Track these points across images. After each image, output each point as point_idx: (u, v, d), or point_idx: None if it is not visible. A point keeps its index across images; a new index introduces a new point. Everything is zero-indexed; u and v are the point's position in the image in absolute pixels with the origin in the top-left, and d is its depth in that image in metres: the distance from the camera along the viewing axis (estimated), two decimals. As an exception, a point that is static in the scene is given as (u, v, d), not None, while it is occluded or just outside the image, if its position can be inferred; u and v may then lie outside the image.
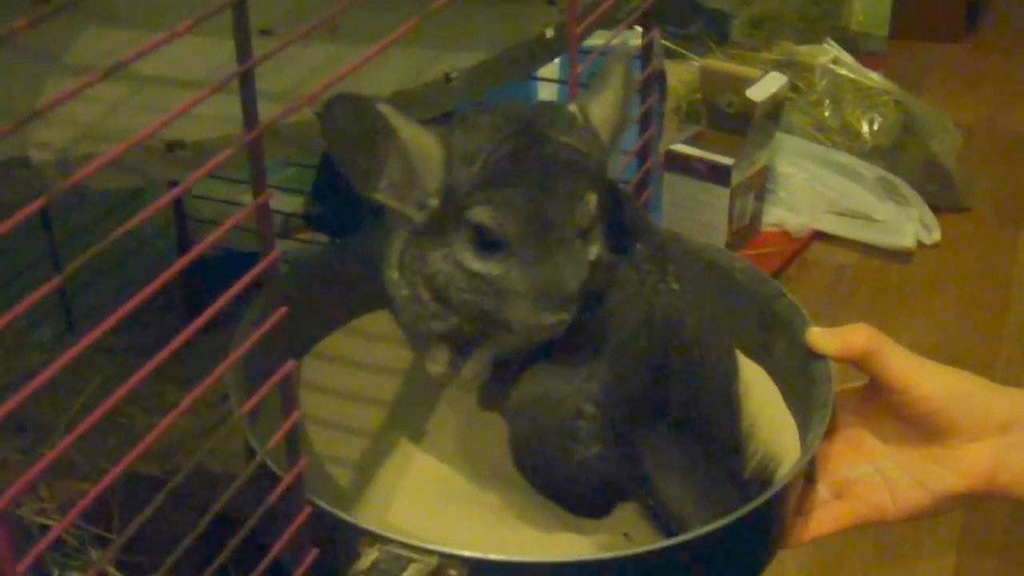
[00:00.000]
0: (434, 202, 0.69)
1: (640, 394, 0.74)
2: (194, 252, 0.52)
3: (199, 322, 0.49)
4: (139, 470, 0.97)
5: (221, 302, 0.50)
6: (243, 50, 0.51)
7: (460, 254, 0.68)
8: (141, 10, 0.94)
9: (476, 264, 0.68)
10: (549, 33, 0.89)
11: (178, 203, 1.36)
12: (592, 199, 0.68)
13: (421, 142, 0.68)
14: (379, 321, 0.90)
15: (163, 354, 0.47)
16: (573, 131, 0.70)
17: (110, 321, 0.46)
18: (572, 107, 0.72)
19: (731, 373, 0.78)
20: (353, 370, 0.88)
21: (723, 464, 0.75)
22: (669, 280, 0.76)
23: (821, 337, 0.80)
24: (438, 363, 0.77)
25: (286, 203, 1.52)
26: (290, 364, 0.60)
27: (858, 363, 0.78)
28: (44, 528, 0.94)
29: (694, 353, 0.76)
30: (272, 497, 0.62)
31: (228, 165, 0.58)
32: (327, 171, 1.38)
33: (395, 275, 0.73)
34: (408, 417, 0.85)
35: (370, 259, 0.78)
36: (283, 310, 0.58)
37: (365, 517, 0.75)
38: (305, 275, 0.90)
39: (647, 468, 0.74)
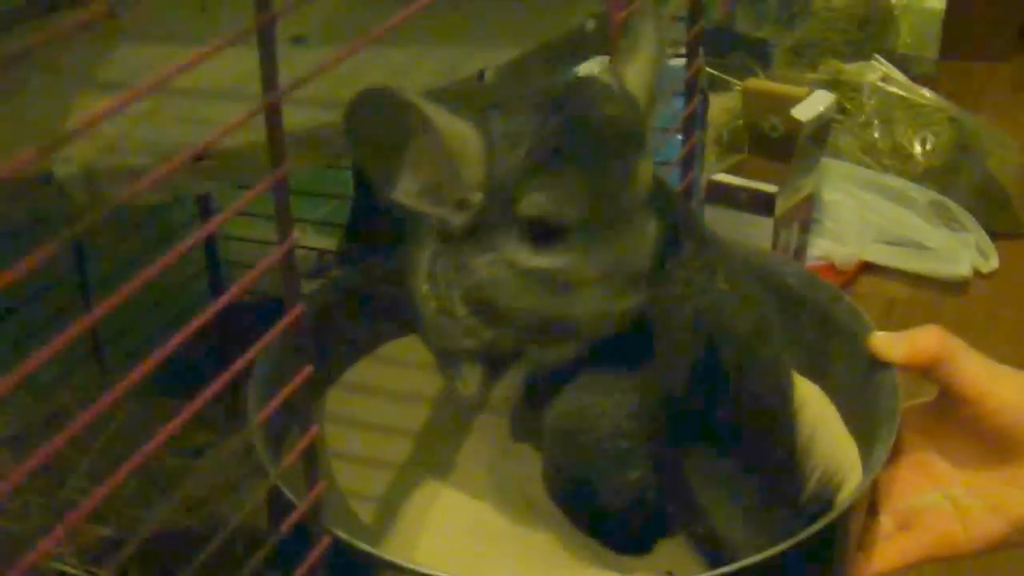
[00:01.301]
0: (477, 197, 0.64)
1: (685, 408, 0.69)
2: (224, 300, 0.50)
3: (224, 378, 0.47)
4: (172, 521, 0.94)
5: (250, 355, 0.49)
6: (270, 80, 0.47)
7: (513, 255, 0.64)
8: (170, 26, 0.92)
9: (534, 260, 0.64)
10: (590, 25, 0.85)
11: (210, 246, 1.34)
12: (646, 166, 0.64)
13: (457, 131, 0.63)
14: (408, 348, 0.87)
15: (184, 415, 0.44)
16: (612, 101, 0.65)
17: (141, 370, 0.44)
18: (606, 76, 0.68)
19: (785, 385, 0.73)
20: (380, 400, 0.86)
21: (778, 486, 0.70)
22: (718, 280, 0.71)
23: (886, 342, 0.75)
24: (468, 384, 0.72)
25: (320, 240, 1.50)
26: (308, 368, 0.56)
27: (927, 371, 0.73)
28: (61, 574, 0.90)
29: (744, 362, 0.71)
30: (288, 523, 0.58)
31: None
32: (362, 209, 1.35)
33: (424, 288, 0.69)
34: (437, 449, 0.82)
35: (399, 283, 0.75)
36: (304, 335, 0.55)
37: (391, 553, 0.70)
38: (330, 300, 0.87)
39: (694, 491, 0.70)
